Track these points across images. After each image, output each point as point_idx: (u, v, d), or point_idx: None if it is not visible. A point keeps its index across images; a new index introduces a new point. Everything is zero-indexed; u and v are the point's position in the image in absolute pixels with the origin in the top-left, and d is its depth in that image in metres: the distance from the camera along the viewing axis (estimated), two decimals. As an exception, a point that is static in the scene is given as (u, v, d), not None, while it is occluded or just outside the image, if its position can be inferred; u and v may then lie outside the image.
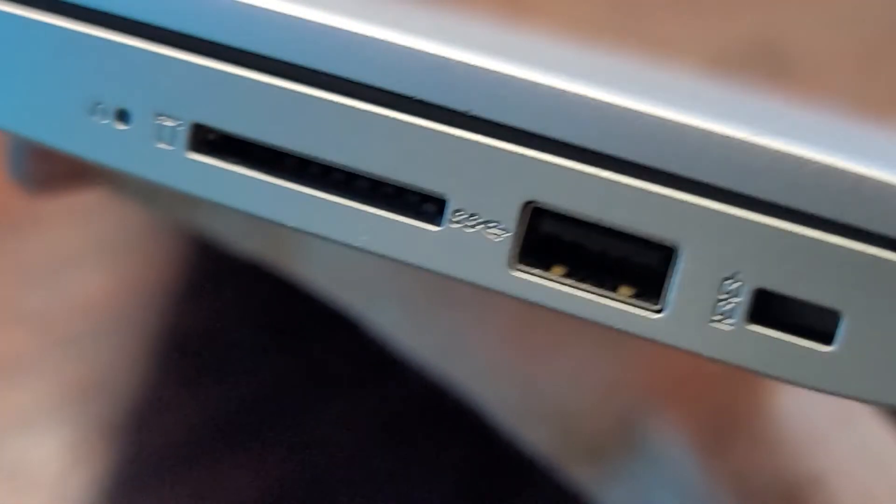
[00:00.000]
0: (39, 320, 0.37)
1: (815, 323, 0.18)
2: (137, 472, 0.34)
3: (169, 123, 0.20)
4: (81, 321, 0.38)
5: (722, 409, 0.29)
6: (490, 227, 0.19)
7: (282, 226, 0.20)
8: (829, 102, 0.44)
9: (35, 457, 0.34)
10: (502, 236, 0.19)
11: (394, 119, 0.19)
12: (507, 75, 0.19)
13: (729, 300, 0.18)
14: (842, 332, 0.18)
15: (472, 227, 0.19)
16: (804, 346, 0.18)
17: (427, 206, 0.20)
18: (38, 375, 0.36)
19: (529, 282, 0.19)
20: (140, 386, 0.36)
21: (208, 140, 0.20)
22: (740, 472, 0.29)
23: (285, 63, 0.20)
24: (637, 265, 0.19)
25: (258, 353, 0.37)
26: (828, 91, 0.45)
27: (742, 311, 0.18)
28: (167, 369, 0.37)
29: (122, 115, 0.20)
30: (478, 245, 0.19)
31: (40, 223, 0.39)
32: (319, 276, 0.30)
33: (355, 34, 0.19)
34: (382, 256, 0.20)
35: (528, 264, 0.19)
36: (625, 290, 0.19)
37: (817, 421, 0.29)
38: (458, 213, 0.19)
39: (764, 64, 0.46)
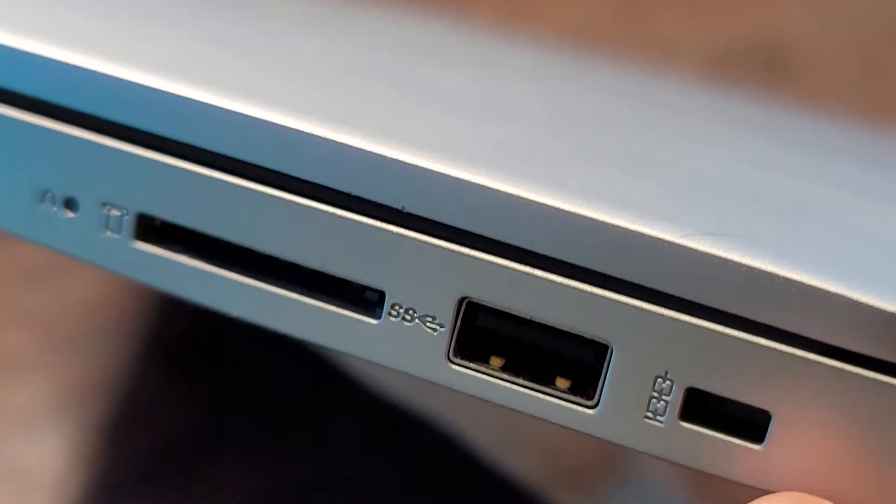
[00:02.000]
0: (39, 320, 0.38)
1: (746, 421, 0.18)
2: (136, 473, 0.34)
3: (115, 213, 0.20)
4: (81, 321, 0.38)
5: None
6: (427, 322, 0.19)
7: (225, 314, 0.20)
8: (829, 103, 0.44)
9: (35, 457, 0.34)
10: (439, 330, 0.19)
11: (331, 214, 0.19)
12: (439, 173, 0.19)
13: (661, 398, 0.19)
14: (771, 431, 0.18)
15: (410, 320, 0.19)
16: (735, 444, 0.18)
17: (369, 294, 0.20)
18: (38, 375, 0.36)
19: (467, 375, 0.19)
20: (139, 386, 0.36)
21: (154, 228, 0.20)
22: (730, 495, 0.29)
23: (227, 157, 0.20)
24: (572, 360, 0.19)
25: (258, 353, 0.38)
26: (828, 91, 0.45)
27: (673, 409, 0.19)
28: (166, 369, 0.37)
29: (70, 204, 0.21)
30: (416, 338, 0.19)
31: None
32: None
33: (293, 130, 0.19)
34: (322, 347, 0.20)
35: (465, 357, 0.19)
36: (561, 383, 0.19)
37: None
38: (395, 307, 0.19)
39: (764, 64, 0.46)
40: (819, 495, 0.18)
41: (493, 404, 0.19)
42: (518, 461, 0.30)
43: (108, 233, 0.20)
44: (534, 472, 0.30)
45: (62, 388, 0.36)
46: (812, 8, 0.46)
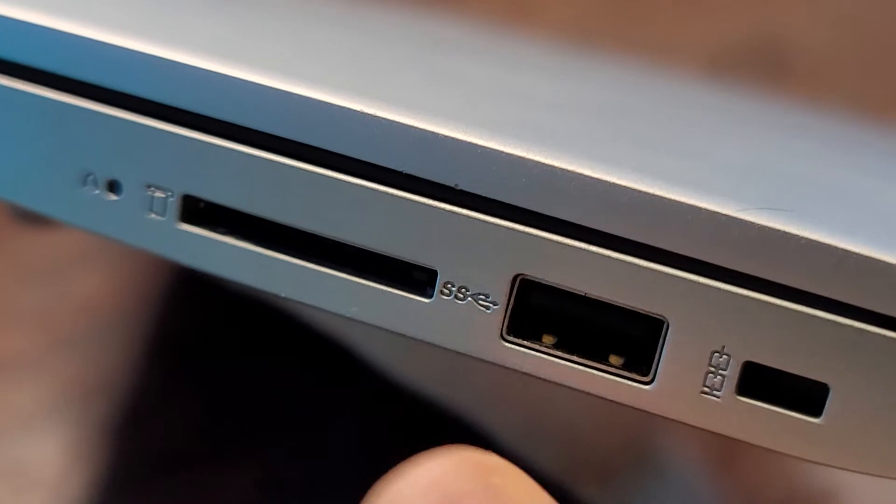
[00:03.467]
0: (39, 320, 0.37)
1: (803, 395, 0.18)
2: (137, 473, 0.34)
3: (159, 194, 0.20)
4: (81, 321, 0.38)
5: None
6: (480, 300, 0.19)
7: (273, 295, 0.20)
8: (828, 102, 0.44)
9: (35, 457, 0.34)
10: (492, 308, 0.19)
11: (383, 193, 0.19)
12: (494, 150, 0.19)
13: (718, 372, 0.19)
14: (829, 404, 0.18)
15: (462, 299, 0.19)
16: (793, 418, 0.18)
17: (417, 274, 0.20)
18: (38, 375, 0.36)
19: (520, 352, 0.19)
20: (140, 386, 0.36)
21: (198, 210, 0.20)
22: (753, 487, 0.29)
23: (274, 137, 0.20)
24: (626, 336, 0.19)
25: (258, 353, 0.37)
26: (828, 91, 0.45)
27: (731, 384, 0.19)
28: (167, 369, 0.37)
29: (113, 186, 0.20)
30: (468, 317, 0.19)
31: (40, 223, 0.39)
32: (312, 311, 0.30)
33: (343, 108, 0.19)
34: (373, 327, 0.20)
35: (518, 335, 0.19)
36: (614, 360, 0.19)
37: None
38: (448, 286, 0.19)
39: (764, 64, 0.46)
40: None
41: (548, 381, 0.19)
42: (540, 453, 0.30)
43: (153, 215, 0.20)
44: (556, 464, 0.30)
45: (62, 388, 0.35)
46: (812, 8, 0.46)
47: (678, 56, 0.46)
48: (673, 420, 0.19)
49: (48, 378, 0.35)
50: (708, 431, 0.19)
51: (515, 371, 0.19)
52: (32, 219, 0.30)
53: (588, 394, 0.19)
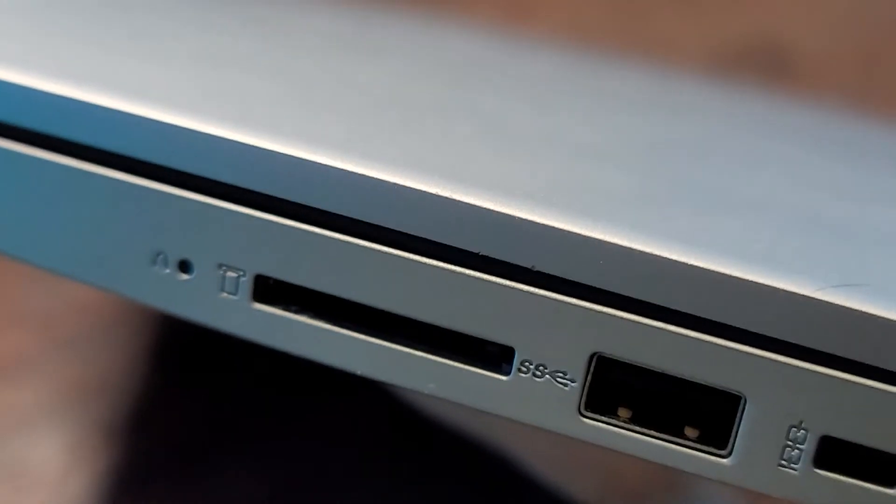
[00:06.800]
0: (39, 320, 0.37)
1: (880, 467, 0.19)
2: (137, 473, 0.34)
3: (231, 274, 0.20)
4: (81, 321, 0.38)
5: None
6: (558, 377, 0.20)
7: (351, 373, 0.20)
8: (830, 101, 0.44)
9: (35, 457, 0.34)
10: (570, 385, 0.20)
11: (461, 274, 0.20)
12: (569, 232, 0.19)
13: (795, 447, 0.19)
14: (905, 476, 0.19)
15: (541, 376, 0.20)
16: (870, 490, 0.19)
17: (495, 351, 0.20)
18: (38, 375, 0.36)
19: (598, 428, 0.20)
20: (140, 386, 0.36)
21: (271, 289, 0.20)
22: None
23: (347, 218, 0.20)
24: (701, 409, 0.20)
25: (258, 353, 0.37)
26: (828, 91, 0.45)
27: (808, 457, 0.19)
28: (167, 369, 0.37)
29: (185, 266, 0.21)
30: (546, 394, 0.20)
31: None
32: None
33: (419, 191, 0.19)
34: (453, 403, 0.20)
35: (595, 410, 0.20)
36: (690, 432, 0.20)
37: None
38: (525, 363, 0.20)
39: (764, 63, 0.46)
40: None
41: (626, 455, 0.20)
42: (576, 484, 0.30)
43: (225, 294, 0.20)
44: (592, 494, 0.30)
45: (62, 388, 0.35)
46: (812, 8, 0.46)
47: (677, 56, 0.46)
48: (752, 491, 0.19)
49: (48, 378, 0.36)
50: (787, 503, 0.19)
51: (593, 445, 0.20)
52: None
53: (667, 467, 0.19)
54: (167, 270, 0.21)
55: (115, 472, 0.34)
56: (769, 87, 0.45)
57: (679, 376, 0.19)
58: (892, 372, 0.19)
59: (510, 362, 0.20)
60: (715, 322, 0.19)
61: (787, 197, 0.24)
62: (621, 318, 0.19)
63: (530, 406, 0.20)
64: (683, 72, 0.44)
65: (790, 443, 0.19)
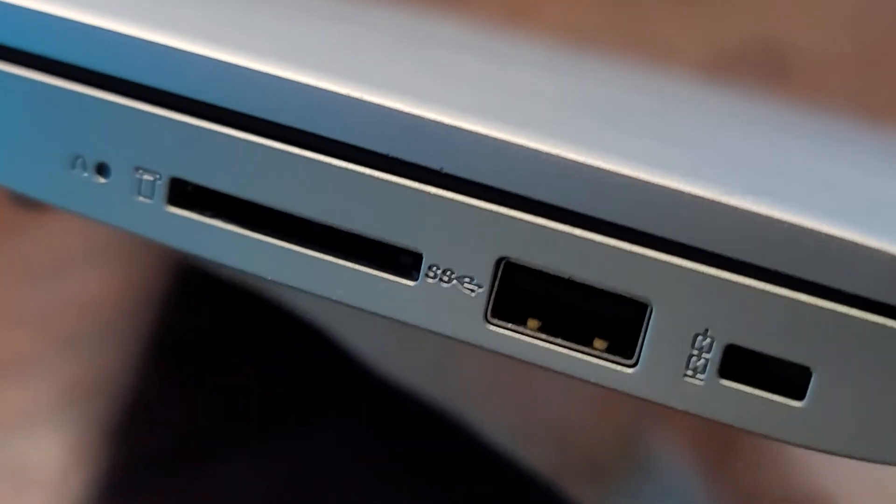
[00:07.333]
0: (39, 320, 0.37)
1: (786, 378, 0.19)
2: (137, 472, 0.34)
3: (148, 177, 0.20)
4: (81, 321, 0.38)
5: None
6: (465, 283, 0.19)
7: (260, 278, 0.20)
8: (828, 103, 0.44)
9: (35, 457, 0.34)
10: (477, 291, 0.19)
11: (368, 176, 0.19)
12: (478, 134, 0.19)
13: (701, 356, 0.19)
14: (812, 387, 0.18)
15: (447, 281, 0.19)
16: (775, 402, 0.19)
17: (403, 258, 0.20)
18: (38, 375, 0.36)
19: (504, 335, 0.19)
20: (140, 386, 0.36)
21: (187, 193, 0.20)
22: (748, 490, 0.28)
23: (261, 120, 0.20)
24: (610, 319, 0.19)
25: (258, 353, 0.37)
26: (827, 92, 0.45)
27: (714, 367, 0.19)
28: (167, 369, 0.37)
29: (102, 169, 0.21)
30: (453, 300, 0.19)
31: (40, 223, 0.40)
32: (300, 297, 0.30)
33: (329, 92, 0.19)
34: (359, 309, 0.20)
35: (502, 318, 0.19)
36: (599, 344, 0.19)
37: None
38: (433, 268, 0.19)
39: (763, 64, 0.46)
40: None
41: (531, 364, 0.19)
42: (531, 451, 0.30)
43: (142, 198, 0.20)
44: (547, 462, 0.30)
45: (62, 388, 0.35)
46: (812, 8, 0.46)
47: (676, 57, 0.46)
48: (655, 403, 0.19)
49: (48, 378, 0.36)
50: (693, 416, 0.19)
51: (499, 354, 0.19)
52: (29, 205, 0.30)
53: (571, 377, 0.19)
54: (85, 174, 0.21)
55: (115, 472, 0.34)
56: (764, 87, 0.45)
57: (585, 283, 0.19)
58: (797, 278, 0.18)
59: (418, 268, 0.19)
60: (621, 226, 0.19)
61: (726, 145, 0.24)
62: (528, 221, 0.19)
63: (437, 312, 0.19)
64: (676, 69, 0.44)
65: (696, 352, 0.19)
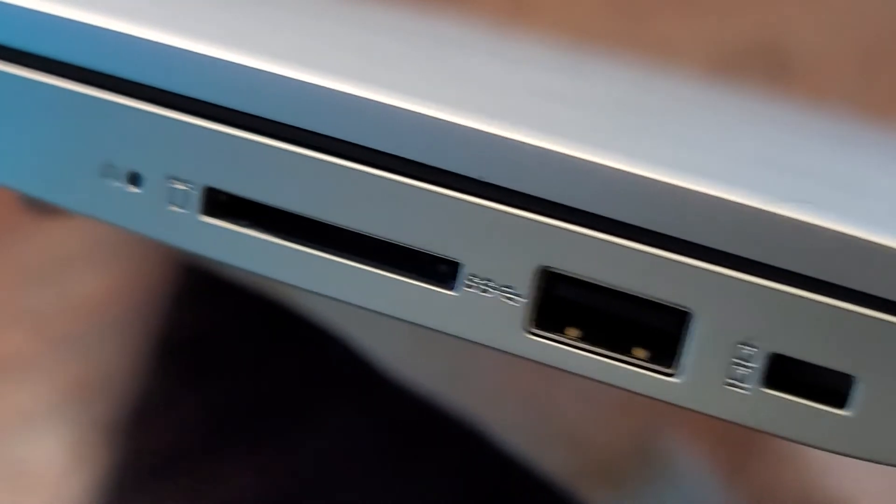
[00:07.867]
0: (39, 320, 0.37)
1: (829, 386, 0.18)
2: (137, 473, 0.34)
3: (181, 187, 0.20)
4: (81, 321, 0.38)
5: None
6: (505, 292, 0.19)
7: (297, 288, 0.20)
8: (829, 103, 0.44)
9: (35, 457, 0.34)
10: (517, 301, 0.19)
11: (407, 185, 0.19)
12: (520, 142, 0.19)
13: (744, 365, 0.19)
14: (856, 396, 0.18)
15: (487, 291, 0.19)
16: (819, 410, 0.18)
17: (441, 267, 0.20)
18: (38, 375, 0.36)
19: (545, 345, 0.19)
20: (140, 386, 0.36)
21: (220, 202, 0.20)
22: (765, 492, 0.28)
23: (297, 129, 0.20)
24: (651, 328, 0.19)
25: (258, 352, 0.37)
26: (828, 92, 0.45)
27: (757, 376, 0.19)
28: (167, 369, 0.37)
29: (135, 179, 0.20)
30: (493, 309, 0.19)
31: (40, 223, 0.39)
32: (318, 304, 0.30)
33: (367, 100, 0.19)
34: (397, 319, 0.20)
35: (542, 328, 0.19)
36: (639, 353, 0.19)
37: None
38: (472, 278, 0.19)
39: (764, 64, 0.46)
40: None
41: (572, 374, 0.19)
42: (548, 456, 0.30)
43: (175, 207, 0.20)
44: (564, 467, 0.30)
45: (62, 388, 0.35)
46: (812, 8, 0.46)
47: (677, 57, 0.46)
48: (699, 413, 0.19)
49: (48, 378, 0.35)
50: (732, 424, 0.19)
51: (540, 364, 0.19)
52: (41, 209, 0.30)
53: (612, 386, 0.19)
54: (116, 183, 0.20)
55: (115, 472, 0.33)
56: (767, 86, 0.45)
57: (626, 291, 0.19)
58: (841, 286, 0.18)
59: (457, 277, 0.19)
60: (663, 235, 0.19)
61: (751, 147, 0.24)
62: (569, 230, 0.19)
63: (476, 322, 0.19)
64: (680, 69, 0.44)
65: (738, 361, 0.19)
